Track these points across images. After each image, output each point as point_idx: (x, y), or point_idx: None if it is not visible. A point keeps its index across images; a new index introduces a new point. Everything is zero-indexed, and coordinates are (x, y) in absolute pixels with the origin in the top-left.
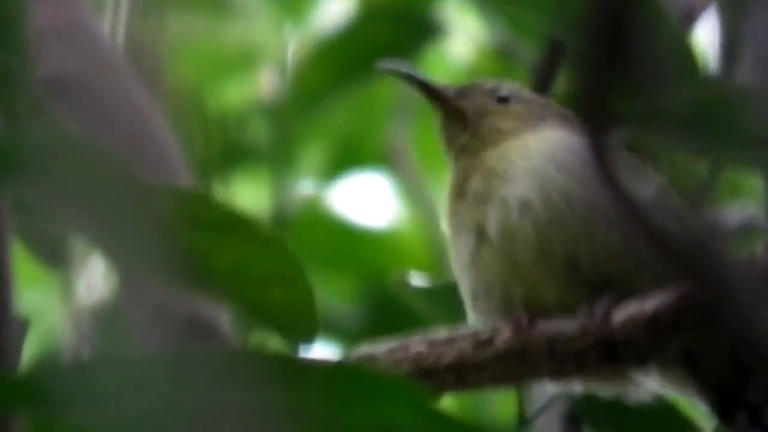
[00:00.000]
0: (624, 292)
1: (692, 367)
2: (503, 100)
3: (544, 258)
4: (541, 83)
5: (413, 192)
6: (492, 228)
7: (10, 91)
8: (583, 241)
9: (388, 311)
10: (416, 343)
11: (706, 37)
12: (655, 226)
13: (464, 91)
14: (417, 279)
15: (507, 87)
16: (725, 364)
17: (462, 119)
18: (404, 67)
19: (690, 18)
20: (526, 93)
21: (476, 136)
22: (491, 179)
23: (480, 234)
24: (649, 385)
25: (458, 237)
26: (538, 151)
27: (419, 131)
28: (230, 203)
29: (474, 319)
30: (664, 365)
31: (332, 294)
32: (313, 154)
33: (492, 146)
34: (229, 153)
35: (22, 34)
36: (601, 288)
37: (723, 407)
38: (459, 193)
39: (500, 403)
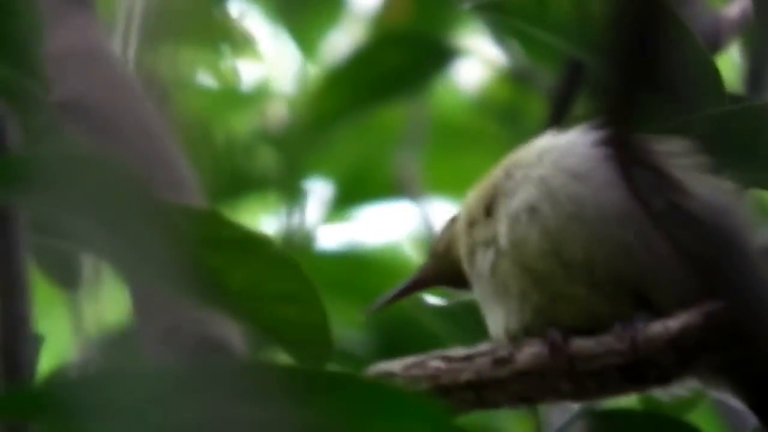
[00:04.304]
0: (653, 307)
1: (732, 372)
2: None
3: (560, 262)
4: (559, 108)
5: (422, 219)
6: (503, 239)
7: (26, 110)
8: (596, 244)
9: (398, 337)
10: (434, 360)
11: (732, 59)
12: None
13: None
14: (432, 299)
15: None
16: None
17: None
18: (383, 299)
19: (717, 40)
20: None
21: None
22: (497, 199)
23: (495, 248)
24: (686, 385)
25: (474, 256)
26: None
27: (428, 158)
28: (243, 223)
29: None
30: (701, 372)
31: (342, 323)
32: (322, 182)
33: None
34: (237, 182)
35: (37, 56)
36: (623, 296)
37: (764, 408)
38: (470, 222)
39: (518, 423)
